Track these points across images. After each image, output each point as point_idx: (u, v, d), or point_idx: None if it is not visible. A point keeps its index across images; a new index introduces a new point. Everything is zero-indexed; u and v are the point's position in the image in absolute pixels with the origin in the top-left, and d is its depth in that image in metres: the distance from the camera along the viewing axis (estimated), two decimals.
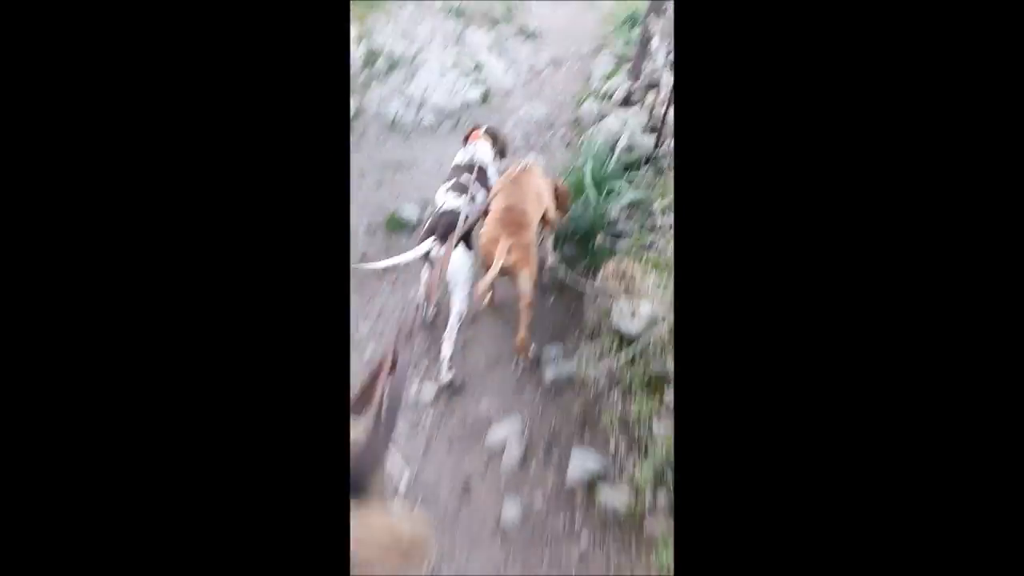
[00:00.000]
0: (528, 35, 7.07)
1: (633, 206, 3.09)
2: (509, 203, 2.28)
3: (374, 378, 0.80)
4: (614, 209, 3.05)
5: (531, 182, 2.44)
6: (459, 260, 2.29)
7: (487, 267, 2.20)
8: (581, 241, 3.10)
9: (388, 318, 2.83)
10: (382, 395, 0.75)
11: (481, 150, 2.77)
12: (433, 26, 6.23)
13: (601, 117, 4.42)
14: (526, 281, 2.29)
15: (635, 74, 4.99)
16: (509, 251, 2.15)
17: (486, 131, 2.89)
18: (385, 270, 2.74)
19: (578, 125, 4.75)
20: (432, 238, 2.29)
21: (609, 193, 3.16)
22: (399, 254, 2.30)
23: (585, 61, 6.59)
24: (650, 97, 4.31)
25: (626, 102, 4.50)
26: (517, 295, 2.36)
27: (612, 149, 3.61)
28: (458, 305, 2.38)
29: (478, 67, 5.45)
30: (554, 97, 5.54)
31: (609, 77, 5.42)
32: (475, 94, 4.98)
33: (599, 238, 3.01)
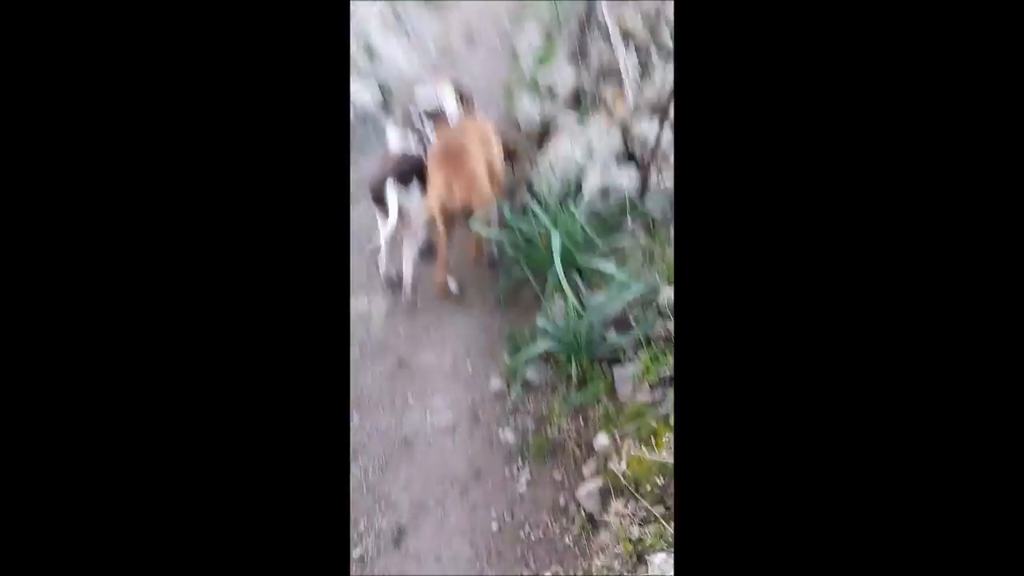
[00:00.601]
0: (432, 3, 5.50)
1: (632, 302, 1.92)
2: (445, 141, 2.15)
3: None
4: (603, 312, 1.86)
5: (472, 125, 2.31)
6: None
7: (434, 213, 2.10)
8: (556, 368, 1.92)
9: None
10: None
11: (443, 93, 2.50)
12: None
13: (546, 127, 3.14)
14: (482, 224, 2.18)
15: (580, 55, 3.71)
16: (452, 187, 2.01)
17: (451, 83, 2.60)
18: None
19: (517, 131, 3.45)
20: (389, 179, 2.07)
21: (590, 280, 1.97)
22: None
23: (505, 35, 5.18)
24: (607, 93, 3.09)
25: (577, 102, 3.24)
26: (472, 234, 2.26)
27: (575, 191, 2.39)
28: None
29: (370, 53, 3.93)
30: (476, 90, 4.17)
31: (543, 60, 4.09)
32: (368, 96, 3.51)
33: (584, 364, 1.85)
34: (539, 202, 2.23)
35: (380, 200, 2.10)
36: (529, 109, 3.26)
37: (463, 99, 2.67)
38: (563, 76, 3.40)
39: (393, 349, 2.19)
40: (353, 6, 4.58)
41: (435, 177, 2.05)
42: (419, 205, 2.15)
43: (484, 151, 2.22)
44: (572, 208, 2.08)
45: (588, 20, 3.61)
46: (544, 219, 2.07)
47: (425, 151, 2.28)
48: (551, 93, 3.38)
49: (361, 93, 3.49)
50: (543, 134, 3.16)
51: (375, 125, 3.46)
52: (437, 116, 2.46)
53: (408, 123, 2.37)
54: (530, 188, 2.60)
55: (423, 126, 2.37)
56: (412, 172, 2.14)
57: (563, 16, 4.81)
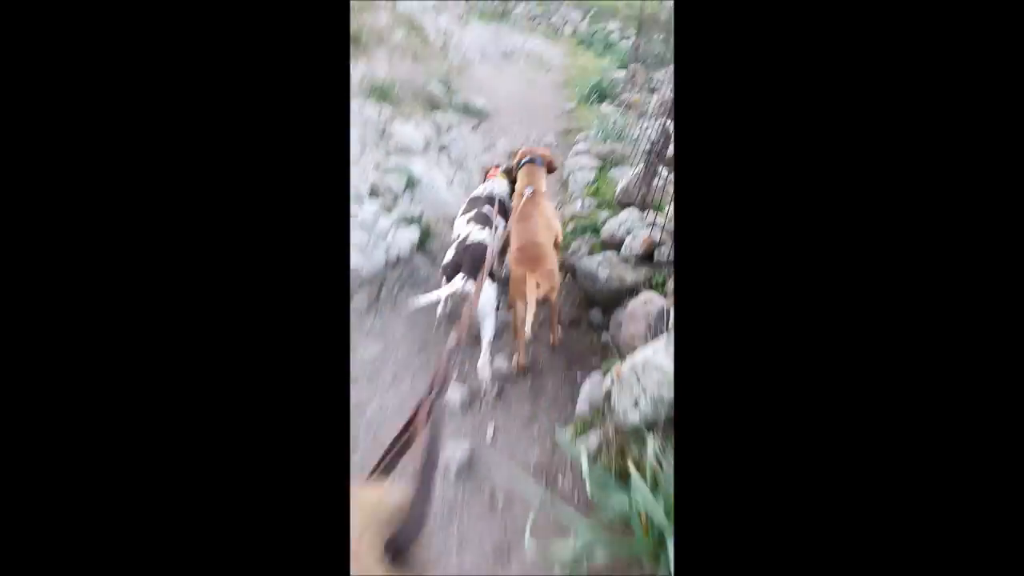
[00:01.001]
0: (475, 116, 5.24)
1: None
2: (522, 242, 2.22)
3: (408, 433, 0.62)
4: None
5: (538, 211, 2.38)
6: (488, 292, 2.22)
7: (513, 303, 2.22)
8: None
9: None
10: (423, 452, 0.56)
11: (498, 185, 2.71)
12: None
13: (621, 292, 2.56)
14: (554, 298, 2.28)
15: (642, 197, 3.21)
16: (538, 285, 2.08)
17: (503, 171, 2.85)
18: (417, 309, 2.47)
19: (573, 280, 2.89)
20: (461, 274, 2.16)
21: None
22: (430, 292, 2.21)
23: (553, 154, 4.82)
24: None
25: (649, 258, 2.69)
26: (550, 311, 2.46)
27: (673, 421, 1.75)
28: (488, 334, 2.26)
29: (410, 184, 3.51)
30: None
31: (596, 194, 3.62)
32: (407, 239, 3.03)
33: None
34: (631, 461, 1.57)
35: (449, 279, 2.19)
36: (590, 266, 2.70)
37: (544, 166, 2.68)
38: (625, 221, 2.86)
39: None
40: (395, 127, 4.27)
41: (523, 277, 2.10)
42: (487, 295, 2.20)
43: (552, 231, 2.37)
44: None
45: (657, 154, 3.13)
46: (645, 493, 1.41)
47: (496, 236, 2.35)
48: (617, 246, 2.84)
49: (403, 238, 3.00)
50: (613, 300, 2.58)
51: (411, 270, 2.94)
52: (500, 203, 2.55)
53: (477, 216, 2.42)
54: (608, 399, 1.97)
55: (491, 213, 2.45)
56: (482, 265, 2.17)
57: (605, 130, 4.41)
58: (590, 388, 2.17)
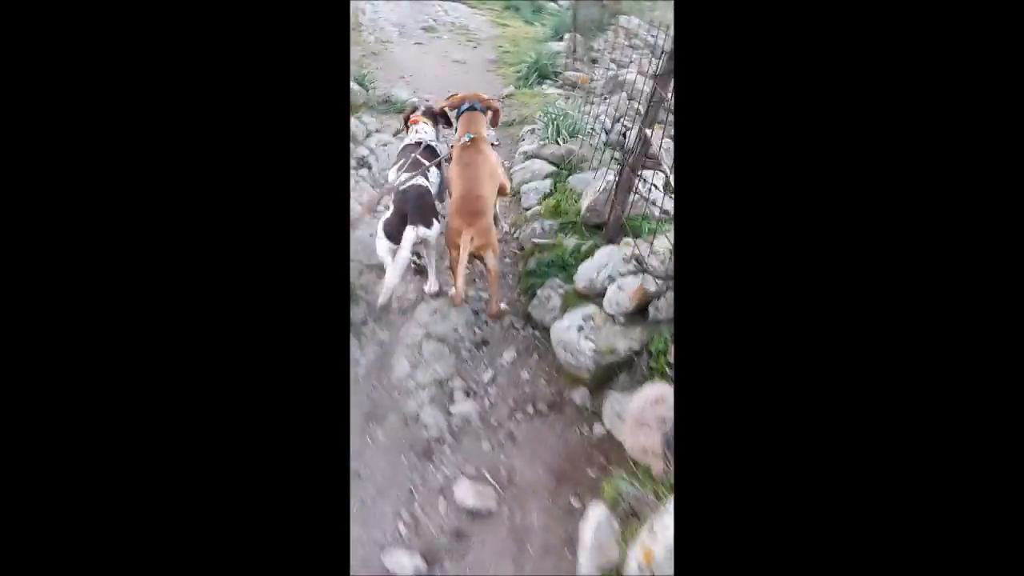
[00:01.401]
0: (399, 112, 4.39)
1: None
2: (464, 191, 2.15)
3: None
4: None
5: (482, 159, 2.27)
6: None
7: (452, 255, 2.13)
8: None
9: None
10: None
11: (422, 131, 2.55)
12: None
13: (612, 367, 1.94)
14: (492, 260, 2.19)
15: (616, 218, 2.58)
16: (472, 238, 2.03)
17: (423, 114, 2.65)
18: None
19: (547, 344, 2.26)
20: (410, 226, 2.05)
21: None
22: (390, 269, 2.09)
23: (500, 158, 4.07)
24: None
25: (643, 313, 2.08)
26: (486, 271, 2.29)
27: None
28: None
29: None
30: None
31: (556, 210, 2.95)
32: None
33: None
34: None
35: (396, 239, 2.07)
36: (568, 334, 2.05)
37: (445, 121, 2.68)
38: (612, 271, 2.22)
39: None
40: None
41: (459, 230, 2.03)
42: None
43: (494, 182, 2.28)
44: None
45: (631, 161, 2.48)
46: None
47: (433, 183, 2.30)
48: (595, 295, 2.20)
49: None
50: (602, 376, 1.96)
51: None
52: (427, 148, 2.42)
53: (409, 164, 2.28)
54: None
55: (423, 161, 2.31)
56: (431, 212, 2.13)
57: (573, 131, 3.69)
58: (595, 531, 1.56)
